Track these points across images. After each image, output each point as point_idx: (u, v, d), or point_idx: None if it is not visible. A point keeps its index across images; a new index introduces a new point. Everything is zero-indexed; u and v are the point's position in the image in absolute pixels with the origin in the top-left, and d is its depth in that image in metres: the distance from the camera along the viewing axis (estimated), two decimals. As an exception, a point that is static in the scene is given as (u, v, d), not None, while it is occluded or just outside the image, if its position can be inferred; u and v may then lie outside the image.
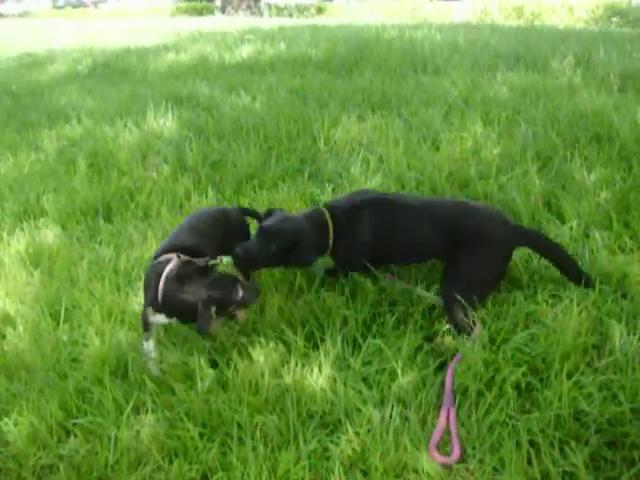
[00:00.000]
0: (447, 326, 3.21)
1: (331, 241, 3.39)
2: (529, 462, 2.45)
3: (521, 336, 2.98)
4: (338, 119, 6.17)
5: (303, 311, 3.39)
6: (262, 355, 3.11)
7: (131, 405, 2.89)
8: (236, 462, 2.58)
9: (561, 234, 3.80)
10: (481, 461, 2.49)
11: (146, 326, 3.13)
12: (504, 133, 5.46)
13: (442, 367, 3.00)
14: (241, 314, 3.18)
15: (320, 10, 26.70)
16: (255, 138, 5.82)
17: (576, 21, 17.97)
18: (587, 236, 3.81)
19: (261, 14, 27.54)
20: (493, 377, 2.82)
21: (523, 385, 2.79)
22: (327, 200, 3.55)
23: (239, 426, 2.75)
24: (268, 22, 17.29)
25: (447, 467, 2.49)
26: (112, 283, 3.84)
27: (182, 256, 3.09)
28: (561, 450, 2.49)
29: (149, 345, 3.16)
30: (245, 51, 10.53)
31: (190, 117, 6.81)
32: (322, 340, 3.17)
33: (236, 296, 3.00)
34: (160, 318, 3.06)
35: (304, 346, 3.12)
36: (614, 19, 17.55)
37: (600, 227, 3.88)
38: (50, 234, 4.62)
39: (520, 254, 3.65)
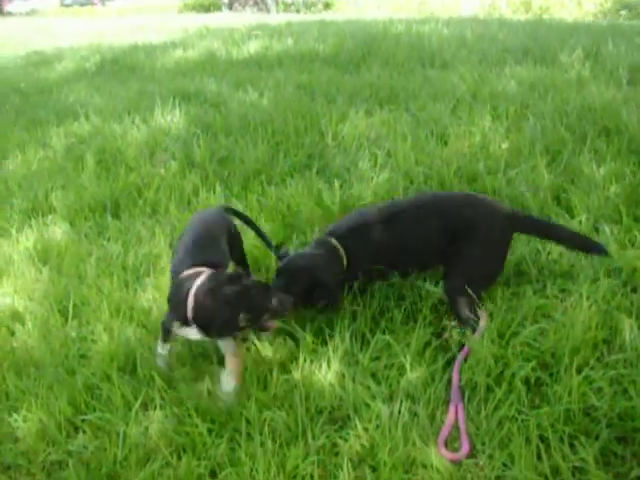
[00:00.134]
0: (455, 322, 3.21)
1: (345, 262, 3.36)
2: (539, 457, 2.44)
3: (530, 331, 2.97)
4: (346, 114, 6.16)
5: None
6: (271, 351, 3.11)
7: (140, 401, 2.89)
8: (245, 458, 2.58)
9: (570, 228, 3.78)
10: (490, 456, 2.48)
11: (166, 337, 3.08)
12: (512, 127, 5.44)
13: (451, 362, 2.99)
14: (271, 324, 3.01)
15: (327, 5, 26.60)
16: (263, 134, 5.81)
17: (584, 14, 17.87)
18: (597, 230, 3.79)
19: (268, 10, 27.50)
20: (502, 372, 2.81)
21: (532, 380, 2.77)
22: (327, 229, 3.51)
23: (248, 422, 2.75)
24: (275, 18, 17.27)
25: (456, 463, 2.48)
26: (120, 279, 3.84)
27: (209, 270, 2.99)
28: (571, 445, 2.48)
29: (164, 348, 3.13)
30: (252, 47, 10.51)
31: (198, 113, 6.80)
32: (331, 336, 3.16)
33: (270, 304, 2.90)
34: (190, 332, 2.94)
35: (313, 342, 3.11)
36: (623, 12, 17.47)
37: (610, 221, 3.85)
38: (58, 231, 4.63)
39: (529, 249, 3.64)
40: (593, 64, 7.39)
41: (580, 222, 3.83)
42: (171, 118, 6.70)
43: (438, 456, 2.49)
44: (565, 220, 3.92)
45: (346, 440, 2.62)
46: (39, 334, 3.48)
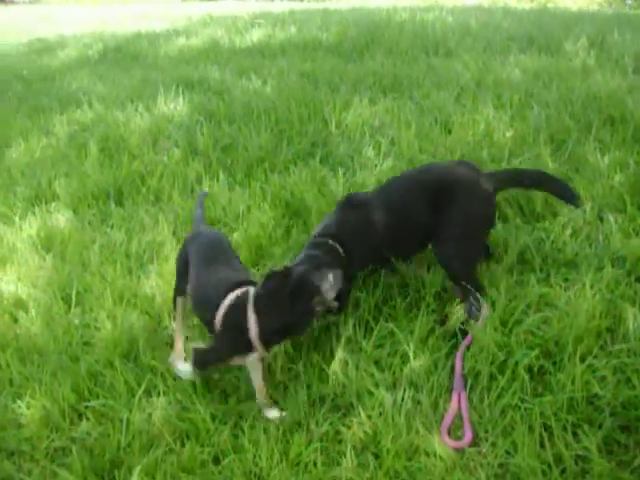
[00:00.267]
0: (458, 307, 3.21)
1: (343, 254, 3.26)
2: (542, 445, 2.44)
3: (534, 319, 2.96)
4: (349, 102, 6.13)
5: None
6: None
7: (143, 388, 2.91)
8: (248, 445, 2.59)
9: (575, 217, 3.77)
10: (493, 444, 2.49)
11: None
12: (517, 116, 5.41)
13: (454, 350, 2.99)
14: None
15: (331, -7, 26.48)
16: (266, 122, 5.79)
17: (589, 3, 17.79)
18: (601, 219, 3.78)
19: (271, -2, 27.38)
20: (505, 360, 2.81)
21: (536, 368, 2.77)
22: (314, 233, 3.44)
23: (251, 408, 2.75)
24: (279, 6, 17.18)
25: (459, 451, 2.49)
26: (124, 267, 3.85)
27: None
28: (574, 434, 2.48)
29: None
30: (256, 35, 10.46)
31: (201, 101, 6.78)
32: (334, 323, 3.16)
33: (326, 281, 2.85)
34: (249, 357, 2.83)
35: (316, 329, 3.11)
36: (628, 1, 17.39)
37: (614, 210, 3.84)
38: (62, 218, 4.63)
39: (532, 238, 3.63)
40: (598, 53, 7.34)
41: (585, 211, 3.82)
42: (174, 106, 6.69)
43: (441, 444, 2.49)
44: (570, 209, 3.90)
45: (349, 427, 2.64)
46: (42, 321, 3.49)
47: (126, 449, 2.68)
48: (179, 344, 3.16)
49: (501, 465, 2.43)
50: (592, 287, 3.06)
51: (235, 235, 4.02)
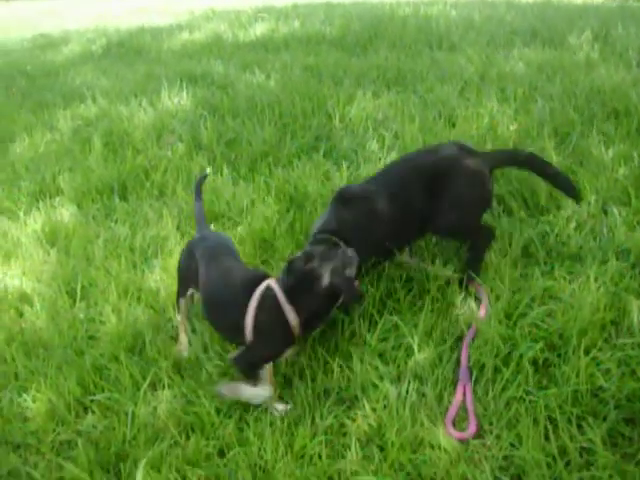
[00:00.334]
0: (462, 295, 3.23)
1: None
2: (546, 438, 2.44)
3: (538, 312, 2.96)
4: (353, 96, 6.12)
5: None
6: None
7: (148, 381, 2.92)
8: (253, 437, 2.60)
9: (579, 210, 3.76)
10: (498, 437, 2.49)
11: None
12: (521, 109, 5.40)
13: (458, 343, 2.99)
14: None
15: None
16: (270, 116, 5.79)
17: (594, -4, 17.68)
18: (605, 212, 3.77)
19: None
20: (510, 353, 2.81)
21: (540, 361, 2.77)
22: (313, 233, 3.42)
23: (256, 402, 2.76)
24: (281, 0, 17.15)
25: (463, 442, 2.49)
26: (128, 261, 3.86)
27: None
28: (579, 426, 2.48)
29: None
30: (259, 29, 10.45)
31: (205, 95, 6.78)
32: (338, 317, 3.17)
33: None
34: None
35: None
36: (633, -6, 17.27)
37: (618, 203, 3.83)
38: (66, 213, 4.64)
39: (536, 231, 3.62)
40: (602, 46, 7.32)
41: (589, 204, 3.81)
42: (178, 100, 6.69)
43: (446, 436, 2.50)
44: (574, 202, 3.89)
45: (354, 420, 2.64)
46: (47, 315, 3.50)
47: (131, 442, 2.69)
48: (183, 335, 3.21)
49: (505, 457, 2.43)
50: (596, 280, 3.06)
51: (239, 229, 4.03)
